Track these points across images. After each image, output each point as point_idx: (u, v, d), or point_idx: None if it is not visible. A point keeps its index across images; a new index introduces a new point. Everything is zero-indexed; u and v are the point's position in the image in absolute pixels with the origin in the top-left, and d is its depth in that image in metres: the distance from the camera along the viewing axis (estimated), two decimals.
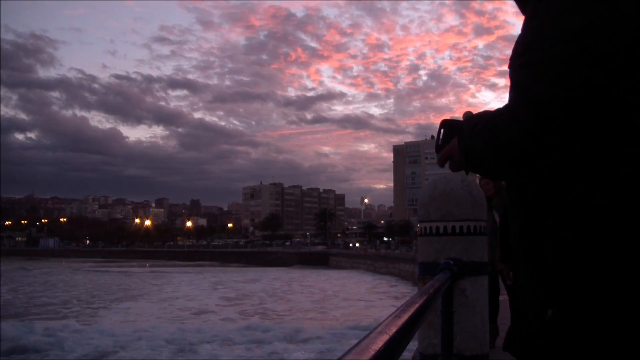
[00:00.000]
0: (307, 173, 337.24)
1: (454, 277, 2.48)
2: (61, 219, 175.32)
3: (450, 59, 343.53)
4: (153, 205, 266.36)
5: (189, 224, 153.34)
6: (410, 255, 42.86)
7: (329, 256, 70.77)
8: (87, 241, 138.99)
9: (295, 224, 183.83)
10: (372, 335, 0.76)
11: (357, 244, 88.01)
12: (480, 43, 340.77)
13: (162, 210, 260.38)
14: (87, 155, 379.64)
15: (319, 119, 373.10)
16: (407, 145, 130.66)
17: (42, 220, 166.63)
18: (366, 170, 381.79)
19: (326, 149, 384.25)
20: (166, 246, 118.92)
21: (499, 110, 1.06)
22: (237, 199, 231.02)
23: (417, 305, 1.12)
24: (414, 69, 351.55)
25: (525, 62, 1.00)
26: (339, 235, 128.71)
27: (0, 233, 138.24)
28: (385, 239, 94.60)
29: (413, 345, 3.44)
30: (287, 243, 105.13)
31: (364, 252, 63.33)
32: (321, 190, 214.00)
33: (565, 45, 0.95)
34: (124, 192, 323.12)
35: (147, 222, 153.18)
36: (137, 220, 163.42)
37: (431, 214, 2.72)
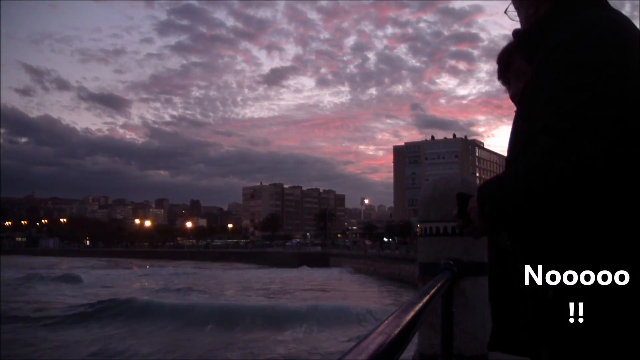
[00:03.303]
0: (292, 168, 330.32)
1: (454, 278, 2.48)
2: (61, 220, 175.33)
3: (394, 37, 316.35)
4: (153, 205, 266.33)
5: (189, 224, 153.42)
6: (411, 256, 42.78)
7: (329, 256, 70.71)
8: (87, 241, 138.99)
9: (295, 225, 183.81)
10: (372, 335, 0.76)
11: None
12: (424, 16, 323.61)
13: (162, 210, 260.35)
14: (42, 148, 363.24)
15: (274, 107, 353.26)
16: (407, 145, 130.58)
17: (42, 221, 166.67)
18: (344, 162, 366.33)
19: (291, 143, 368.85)
20: (166, 246, 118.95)
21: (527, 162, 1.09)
22: (237, 199, 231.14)
23: (417, 305, 1.13)
24: (358, 48, 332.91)
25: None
26: (339, 235, 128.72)
27: (0, 233, 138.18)
28: (386, 239, 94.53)
29: (413, 346, 3.44)
30: (288, 243, 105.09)
31: (364, 252, 63.29)
32: (321, 191, 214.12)
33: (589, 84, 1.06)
34: (97, 189, 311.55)
35: (147, 223, 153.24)
36: (137, 221, 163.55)
37: (431, 214, 2.72)
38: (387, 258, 50.78)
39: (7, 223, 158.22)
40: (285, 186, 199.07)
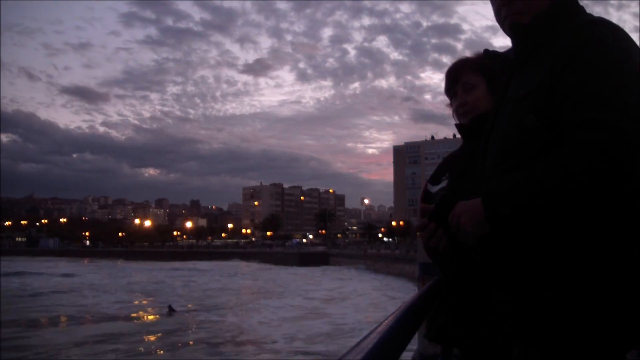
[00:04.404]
0: (286, 166, 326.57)
1: None
2: (61, 220, 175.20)
3: (372, 28, 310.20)
4: (153, 205, 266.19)
5: (189, 224, 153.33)
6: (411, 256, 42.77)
7: (329, 256, 70.68)
8: (87, 241, 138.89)
9: (295, 225, 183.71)
10: (372, 335, 0.76)
11: None
12: (401, 6, 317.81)
13: (162, 210, 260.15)
14: (26, 145, 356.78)
15: (255, 103, 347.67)
16: (407, 145, 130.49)
17: (42, 221, 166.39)
18: (337, 160, 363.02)
19: (277, 141, 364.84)
20: (166, 246, 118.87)
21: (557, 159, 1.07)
22: (237, 199, 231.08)
23: (417, 305, 1.12)
24: (336, 40, 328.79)
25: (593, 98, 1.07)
26: (339, 235, 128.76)
27: (0, 233, 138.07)
28: (386, 239, 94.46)
29: (413, 346, 3.44)
30: (288, 243, 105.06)
31: (364, 252, 63.32)
32: (321, 191, 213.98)
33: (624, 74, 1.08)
34: (91, 187, 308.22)
35: (147, 223, 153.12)
36: (137, 221, 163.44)
37: None
38: (387, 258, 50.82)
39: (7, 223, 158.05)
40: (285, 186, 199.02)
